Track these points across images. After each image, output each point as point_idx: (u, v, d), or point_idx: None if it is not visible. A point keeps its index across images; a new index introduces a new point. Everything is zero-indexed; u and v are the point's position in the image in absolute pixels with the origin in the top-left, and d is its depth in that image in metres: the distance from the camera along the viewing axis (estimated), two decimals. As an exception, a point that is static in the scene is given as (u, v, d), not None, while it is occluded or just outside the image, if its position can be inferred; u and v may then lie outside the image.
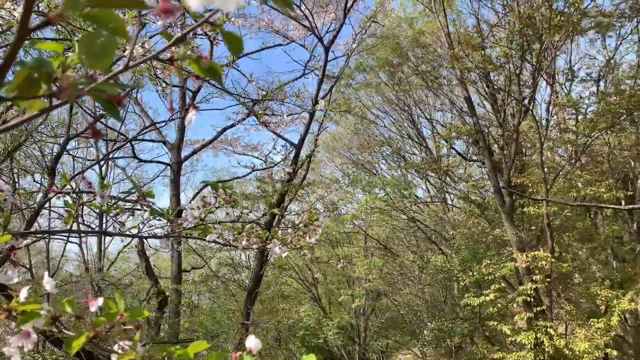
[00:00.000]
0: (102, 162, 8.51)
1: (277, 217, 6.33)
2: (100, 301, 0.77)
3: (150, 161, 8.46)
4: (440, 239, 10.86)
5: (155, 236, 1.63)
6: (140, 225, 1.55)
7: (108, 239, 11.33)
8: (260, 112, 5.74)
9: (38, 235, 5.31)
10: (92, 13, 0.46)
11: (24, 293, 0.74)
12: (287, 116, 7.81)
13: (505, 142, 7.88)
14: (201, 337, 6.57)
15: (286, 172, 6.96)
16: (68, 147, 6.05)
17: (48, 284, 0.79)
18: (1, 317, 0.72)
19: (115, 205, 1.52)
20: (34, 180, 8.73)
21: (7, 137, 4.99)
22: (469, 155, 9.61)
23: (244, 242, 1.84)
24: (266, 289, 9.52)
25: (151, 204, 1.56)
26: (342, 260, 10.15)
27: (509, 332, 6.86)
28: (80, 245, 9.64)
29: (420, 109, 10.49)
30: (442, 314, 8.88)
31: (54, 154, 6.45)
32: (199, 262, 10.16)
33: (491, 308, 7.20)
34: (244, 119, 7.86)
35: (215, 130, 8.36)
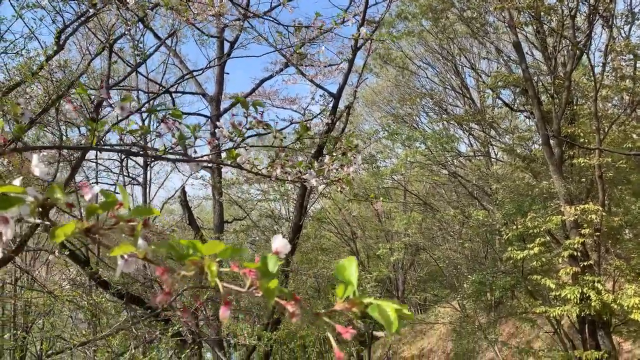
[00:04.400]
0: (143, 114, 8.63)
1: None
2: (96, 189, 0.68)
3: (191, 114, 8.51)
4: (482, 194, 10.60)
5: (184, 159, 1.58)
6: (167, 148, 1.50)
7: (153, 191, 11.60)
8: (297, 45, 5.55)
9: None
10: None
11: (17, 181, 0.65)
12: (325, 67, 7.62)
13: (555, 90, 7.46)
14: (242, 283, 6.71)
15: (324, 122, 6.85)
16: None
17: (37, 167, 0.72)
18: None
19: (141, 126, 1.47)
20: (80, 134, 8.96)
21: (50, 87, 5.06)
22: (515, 105, 9.18)
23: (277, 171, 1.76)
24: (305, 241, 9.62)
25: (177, 124, 1.50)
26: (380, 202, 10.00)
27: (553, 287, 6.68)
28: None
29: (465, 58, 10.03)
30: (482, 268, 8.75)
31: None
32: (240, 214, 10.34)
33: (535, 262, 7.01)
34: (281, 70, 7.74)
35: (254, 82, 8.28)
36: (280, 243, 0.63)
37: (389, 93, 11.11)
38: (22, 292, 7.21)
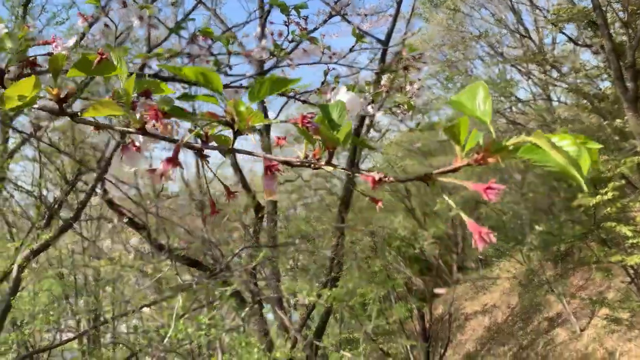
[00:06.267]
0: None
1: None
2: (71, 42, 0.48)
3: (233, 75, 8.36)
4: (544, 142, 9.93)
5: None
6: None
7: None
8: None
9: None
10: None
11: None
12: (367, 16, 7.21)
13: (629, 19, 6.73)
14: (298, 240, 6.67)
15: (373, 72, 6.50)
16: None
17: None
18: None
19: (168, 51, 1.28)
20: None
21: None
22: (581, 40, 8.41)
23: (328, 95, 1.56)
24: (357, 199, 9.43)
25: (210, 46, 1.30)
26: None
27: (630, 234, 6.20)
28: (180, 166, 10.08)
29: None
30: (549, 218, 8.28)
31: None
32: (290, 176, 10.24)
33: (609, 208, 6.50)
34: (325, 21, 7.39)
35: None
36: (347, 97, 0.43)
37: (439, 39, 10.51)
38: (90, 261, 7.49)
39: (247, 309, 3.88)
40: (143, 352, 4.21)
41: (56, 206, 4.50)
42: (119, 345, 6.89)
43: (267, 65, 1.46)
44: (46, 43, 0.43)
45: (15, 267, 4.12)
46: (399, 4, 6.32)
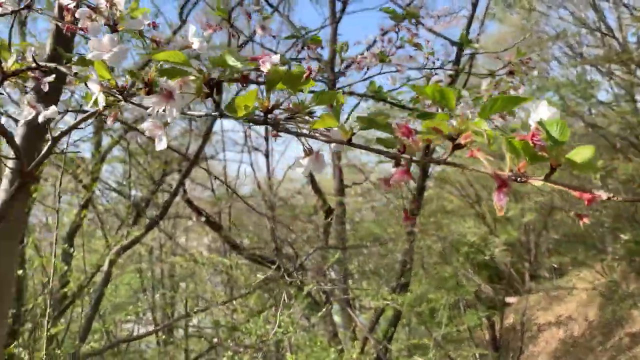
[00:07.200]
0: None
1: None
2: (275, 57, 0.54)
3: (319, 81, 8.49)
4: (627, 145, 9.40)
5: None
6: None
7: (274, 161, 11.99)
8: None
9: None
10: None
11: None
12: (440, 17, 7.11)
13: None
14: (369, 244, 6.68)
15: (447, 74, 6.40)
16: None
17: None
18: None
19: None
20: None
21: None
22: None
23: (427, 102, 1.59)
24: (426, 203, 9.30)
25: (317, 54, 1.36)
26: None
27: None
28: (252, 166, 10.42)
29: (606, -10, 8.77)
30: (634, 226, 7.77)
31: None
32: (359, 178, 10.26)
33: None
34: (397, 25, 7.37)
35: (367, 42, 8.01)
36: (550, 112, 0.45)
37: (513, 40, 10.15)
38: (167, 257, 7.87)
39: (323, 309, 3.95)
40: (222, 347, 4.38)
41: (143, 205, 4.79)
42: (190, 338, 7.19)
43: (371, 71, 1.50)
44: (254, 59, 0.49)
45: (107, 261, 4.42)
46: (475, 5, 6.19)
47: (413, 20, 1.35)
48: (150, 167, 4.95)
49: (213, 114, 0.54)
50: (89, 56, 0.64)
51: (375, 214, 9.38)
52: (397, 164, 0.48)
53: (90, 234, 6.14)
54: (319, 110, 0.54)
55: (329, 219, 6.05)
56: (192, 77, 0.50)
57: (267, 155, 9.98)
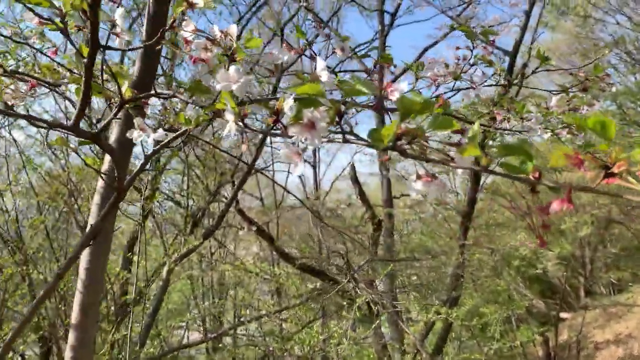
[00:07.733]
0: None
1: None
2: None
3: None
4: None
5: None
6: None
7: (321, 171, 12.09)
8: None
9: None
10: None
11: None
12: (492, 27, 7.02)
13: None
14: (421, 255, 6.62)
15: (498, 86, 6.29)
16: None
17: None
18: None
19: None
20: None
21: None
22: None
23: (499, 117, 1.59)
24: (477, 214, 9.12)
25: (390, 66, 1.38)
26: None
27: None
28: (300, 177, 10.54)
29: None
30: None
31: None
32: (405, 190, 10.20)
33: None
34: (447, 35, 7.33)
35: (416, 52, 8.01)
36: None
37: (567, 47, 9.87)
38: (218, 265, 8.03)
39: (376, 321, 3.95)
40: (275, 356, 4.44)
41: (200, 214, 4.95)
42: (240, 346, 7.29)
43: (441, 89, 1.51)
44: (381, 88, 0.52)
45: (165, 269, 4.58)
46: (528, 15, 6.09)
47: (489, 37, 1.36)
48: (206, 178, 5.10)
49: (336, 140, 0.59)
50: (217, 87, 0.70)
51: (423, 225, 9.28)
52: (533, 190, 0.51)
53: (148, 243, 6.36)
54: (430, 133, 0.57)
55: (378, 231, 6.05)
56: (323, 108, 0.55)
57: (314, 167, 10.10)
